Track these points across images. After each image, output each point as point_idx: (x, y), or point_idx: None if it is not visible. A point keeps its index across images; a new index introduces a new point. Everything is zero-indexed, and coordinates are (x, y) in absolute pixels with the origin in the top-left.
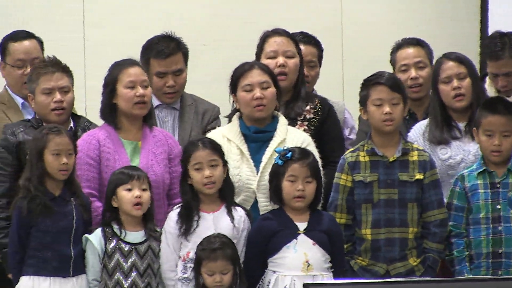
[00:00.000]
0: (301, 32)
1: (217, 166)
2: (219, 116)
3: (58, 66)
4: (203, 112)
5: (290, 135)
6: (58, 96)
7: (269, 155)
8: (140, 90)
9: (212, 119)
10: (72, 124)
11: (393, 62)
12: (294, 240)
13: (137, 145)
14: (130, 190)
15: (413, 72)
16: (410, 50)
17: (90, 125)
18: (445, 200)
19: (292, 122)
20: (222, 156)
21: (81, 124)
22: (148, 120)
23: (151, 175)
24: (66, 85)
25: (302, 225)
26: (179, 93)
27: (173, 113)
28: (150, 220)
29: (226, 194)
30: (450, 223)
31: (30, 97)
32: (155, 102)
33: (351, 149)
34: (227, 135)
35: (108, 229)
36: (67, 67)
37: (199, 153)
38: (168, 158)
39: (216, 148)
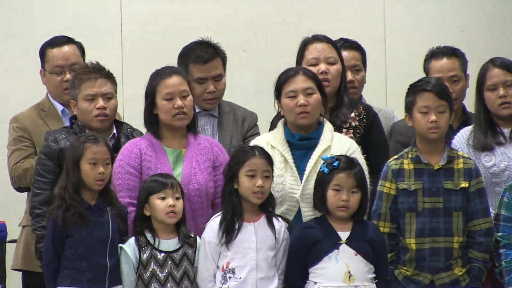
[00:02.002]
0: (341, 38)
1: (268, 178)
2: (257, 123)
3: (101, 72)
4: (242, 119)
5: (336, 142)
6: (101, 102)
7: (313, 163)
8: (178, 102)
9: (251, 126)
10: (114, 131)
11: (426, 70)
12: (336, 250)
13: (180, 153)
14: (163, 198)
15: None
16: (444, 62)
17: (133, 131)
18: (491, 209)
19: (338, 129)
20: (273, 169)
21: (123, 131)
22: (192, 128)
23: (194, 183)
24: (109, 92)
25: (344, 235)
26: (219, 99)
27: (212, 121)
28: (183, 226)
29: (267, 204)
30: (499, 234)
31: (73, 104)
32: None
33: (395, 156)
34: (271, 142)
35: (141, 238)
36: (110, 73)
37: (256, 160)
38: (213, 166)
39: (270, 160)
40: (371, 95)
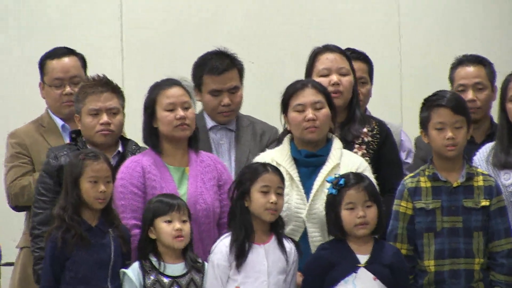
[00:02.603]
0: (348, 48)
1: (281, 196)
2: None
3: (107, 86)
4: (261, 134)
5: (345, 160)
6: (105, 118)
7: (321, 181)
8: (180, 112)
9: (271, 141)
10: (120, 148)
11: (451, 79)
12: (353, 274)
13: (184, 172)
14: (169, 222)
15: (470, 94)
16: (470, 69)
17: (138, 149)
18: None
19: (349, 145)
20: (284, 187)
21: (129, 148)
22: (193, 143)
23: (201, 203)
24: (115, 106)
25: (363, 258)
26: (235, 112)
27: (228, 135)
28: (190, 250)
29: (276, 224)
30: None
31: (77, 118)
32: (209, 123)
33: (411, 174)
34: (277, 158)
35: (145, 262)
36: (118, 87)
37: (270, 176)
38: (218, 185)
39: (282, 176)
40: (385, 108)
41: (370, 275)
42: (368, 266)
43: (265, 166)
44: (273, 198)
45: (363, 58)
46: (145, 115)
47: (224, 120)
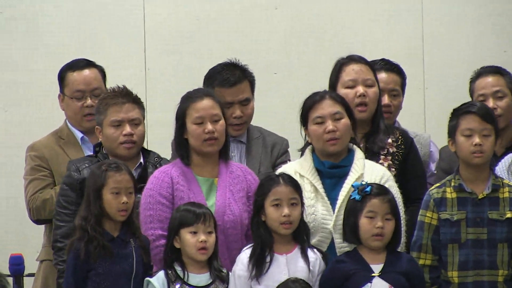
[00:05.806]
0: (382, 59)
1: (296, 206)
2: (288, 149)
3: (128, 97)
4: (272, 146)
5: (368, 170)
6: (128, 128)
7: (346, 192)
8: (209, 126)
9: (281, 152)
10: (141, 159)
11: (471, 91)
12: (368, 284)
13: (213, 183)
14: (194, 233)
15: (491, 102)
16: (489, 79)
17: (160, 160)
18: None
19: (375, 156)
20: (301, 195)
21: (151, 160)
22: (223, 155)
23: (229, 214)
24: (137, 117)
25: (377, 267)
26: (246, 124)
27: (239, 147)
28: (214, 260)
29: (300, 234)
30: None
31: (98, 130)
32: None
33: (437, 185)
34: (300, 171)
35: (170, 272)
36: (138, 98)
37: (281, 188)
38: (247, 196)
39: (297, 186)
40: (408, 120)
41: (385, 284)
42: (383, 275)
43: (277, 178)
44: (285, 211)
45: (397, 70)
46: (176, 126)
47: (236, 133)
